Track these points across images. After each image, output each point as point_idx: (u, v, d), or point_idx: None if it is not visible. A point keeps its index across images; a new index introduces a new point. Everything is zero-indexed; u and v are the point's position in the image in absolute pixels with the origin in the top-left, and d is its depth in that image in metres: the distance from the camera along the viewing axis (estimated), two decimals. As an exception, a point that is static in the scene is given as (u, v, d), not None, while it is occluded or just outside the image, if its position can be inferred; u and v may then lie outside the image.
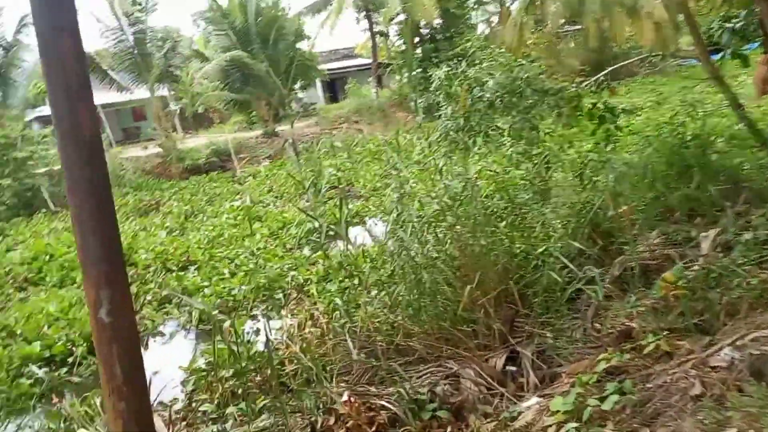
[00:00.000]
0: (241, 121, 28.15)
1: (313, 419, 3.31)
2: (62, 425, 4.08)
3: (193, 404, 5.06)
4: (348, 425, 3.20)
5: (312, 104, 29.85)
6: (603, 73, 7.58)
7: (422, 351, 4.59)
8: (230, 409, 4.43)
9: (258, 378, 5.41)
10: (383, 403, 3.67)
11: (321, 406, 3.59)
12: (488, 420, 3.58)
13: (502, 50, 7.13)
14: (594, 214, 5.22)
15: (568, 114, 6.82)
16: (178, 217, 13.04)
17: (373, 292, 5.52)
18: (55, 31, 1.13)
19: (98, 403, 4.62)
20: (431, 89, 7.22)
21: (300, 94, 29.09)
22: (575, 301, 4.84)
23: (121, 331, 1.27)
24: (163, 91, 23.74)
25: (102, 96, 25.62)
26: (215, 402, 4.96)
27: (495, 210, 5.55)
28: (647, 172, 6.03)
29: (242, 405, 4.71)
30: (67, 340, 6.41)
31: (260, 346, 6.19)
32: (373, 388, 4.12)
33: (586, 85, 7.54)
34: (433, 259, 4.68)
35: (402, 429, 3.51)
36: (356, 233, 8.42)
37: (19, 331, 6.74)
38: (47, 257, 10.03)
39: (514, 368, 4.35)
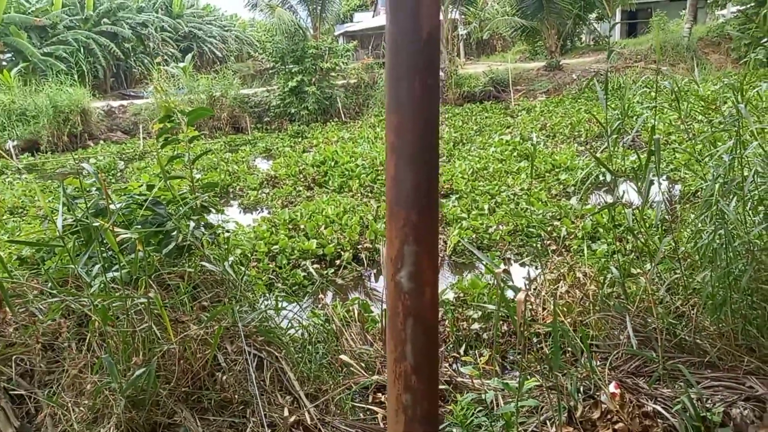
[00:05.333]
0: (523, 50, 27.01)
1: (572, 404, 2.84)
2: (322, 320, 4.40)
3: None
4: (616, 427, 2.64)
5: (606, 37, 26.97)
6: None
7: (713, 355, 3.68)
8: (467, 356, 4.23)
9: (504, 327, 5.12)
10: (659, 409, 2.99)
11: (581, 389, 3.08)
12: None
13: None
14: None
15: None
16: (447, 144, 13.19)
17: (649, 266, 4.64)
18: None
19: (356, 312, 4.87)
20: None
21: (594, 25, 26.46)
22: None
23: (422, 303, 0.87)
24: (455, 14, 23.77)
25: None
26: (461, 341, 4.85)
27: None
28: None
29: (486, 353, 4.51)
30: (337, 243, 6.96)
31: (509, 293, 5.89)
32: (643, 384, 3.44)
33: None
34: (757, 247, 3.61)
35: (680, 451, 2.81)
36: (623, 190, 7.28)
37: (302, 226, 7.56)
38: (333, 163, 11.11)
39: None
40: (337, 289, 6.32)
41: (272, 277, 6.31)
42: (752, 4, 16.24)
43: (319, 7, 20.46)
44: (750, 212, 3.83)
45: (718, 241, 3.53)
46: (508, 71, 20.12)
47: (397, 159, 0.98)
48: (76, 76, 21.91)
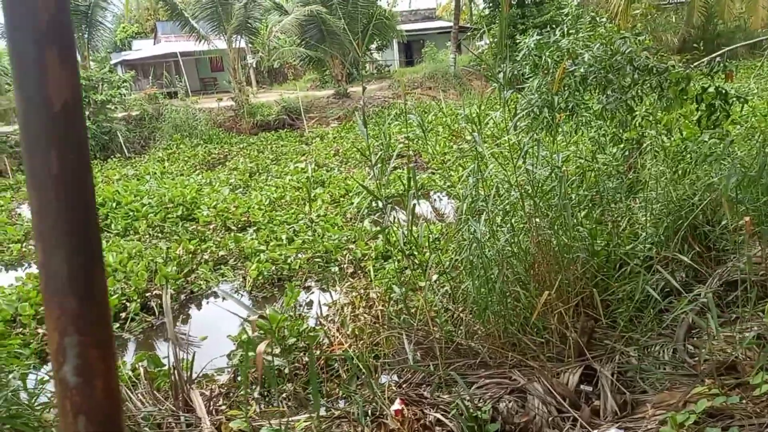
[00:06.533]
0: (314, 78, 27.87)
1: (360, 430, 2.95)
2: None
3: (238, 378, 4.85)
4: (397, 445, 2.80)
5: (387, 66, 29.12)
6: (719, 53, 6.59)
7: (485, 355, 4.13)
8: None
9: (306, 358, 5.14)
10: (439, 417, 3.25)
11: (369, 412, 3.21)
12: (557, 451, 3.10)
13: (602, 19, 6.31)
14: (691, 213, 4.49)
15: (671, 97, 5.97)
16: (243, 174, 12.97)
17: (434, 277, 5.08)
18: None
19: (142, 371, 4.47)
20: (517, 58, 6.51)
21: (375, 55, 28.40)
22: (662, 314, 4.22)
23: (94, 398, 0.79)
24: (241, 43, 23.54)
25: (183, 44, 25.99)
26: (260, 379, 4.73)
27: (580, 201, 4.93)
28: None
29: (287, 387, 4.48)
30: (122, 294, 6.35)
31: (311, 322, 5.95)
32: (427, 394, 3.72)
33: (695, 66, 6.60)
34: (506, 255, 4.16)
35: (458, 452, 3.08)
36: (418, 208, 7.92)
37: (78, 279, 6.74)
38: (114, 204, 10.16)
39: (589, 388, 3.81)
40: (140, 344, 5.77)
41: (43, 343, 5.50)
42: (497, 39, 18.93)
43: (86, 35, 18.72)
44: (500, 224, 4.41)
45: (473, 253, 4.00)
46: (299, 99, 20.55)
47: (43, 245, 0.90)
48: None
